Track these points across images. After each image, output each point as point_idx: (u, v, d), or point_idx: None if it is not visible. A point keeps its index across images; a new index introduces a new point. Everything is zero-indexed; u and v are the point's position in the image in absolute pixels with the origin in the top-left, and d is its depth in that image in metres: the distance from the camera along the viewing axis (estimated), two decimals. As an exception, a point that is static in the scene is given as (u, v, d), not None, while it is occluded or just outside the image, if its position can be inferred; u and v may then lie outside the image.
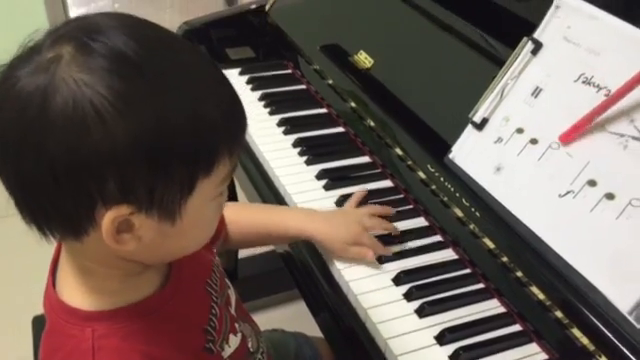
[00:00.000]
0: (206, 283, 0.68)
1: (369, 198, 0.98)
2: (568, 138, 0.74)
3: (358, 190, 0.97)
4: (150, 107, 0.48)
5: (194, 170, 0.51)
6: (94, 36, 0.48)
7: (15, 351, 1.33)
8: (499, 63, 0.88)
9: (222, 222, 0.82)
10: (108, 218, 0.49)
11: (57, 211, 0.50)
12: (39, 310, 1.04)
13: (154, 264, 0.60)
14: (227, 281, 0.75)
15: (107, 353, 0.55)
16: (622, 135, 0.71)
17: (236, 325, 0.72)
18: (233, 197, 1.37)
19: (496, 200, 0.80)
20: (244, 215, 0.87)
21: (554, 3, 0.82)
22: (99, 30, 0.49)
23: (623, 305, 0.65)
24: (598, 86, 0.75)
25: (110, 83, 0.47)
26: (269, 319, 1.19)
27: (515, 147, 0.80)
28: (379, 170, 1.05)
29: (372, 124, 1.07)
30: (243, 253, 1.54)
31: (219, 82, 0.54)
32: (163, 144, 0.48)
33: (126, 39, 0.48)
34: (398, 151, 1.01)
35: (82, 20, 0.51)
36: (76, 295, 0.57)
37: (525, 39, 0.83)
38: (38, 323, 1.04)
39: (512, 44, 0.86)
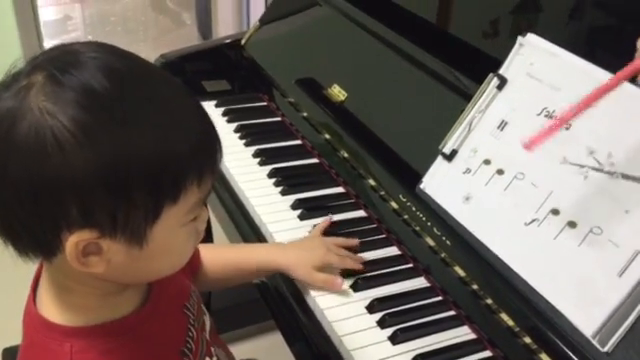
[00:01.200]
0: (184, 306, 0.69)
1: (343, 227, 1.00)
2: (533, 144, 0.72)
3: (325, 221, 0.99)
4: (109, 139, 0.49)
5: (158, 198, 0.52)
6: (65, 68, 0.50)
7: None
8: (467, 97, 0.92)
9: (197, 255, 0.84)
10: (71, 242, 0.51)
11: (26, 232, 0.52)
12: (8, 342, 1.03)
13: (130, 284, 0.61)
14: (203, 307, 0.75)
15: None
16: (582, 166, 0.74)
17: (212, 349, 0.73)
18: (208, 227, 1.37)
19: (465, 229, 0.83)
20: (214, 255, 0.88)
21: (518, 41, 0.86)
22: (73, 62, 0.51)
23: (587, 329, 0.68)
24: (559, 120, 0.78)
25: (72, 114, 0.49)
26: (243, 351, 1.18)
27: (483, 177, 0.84)
28: (353, 200, 1.08)
29: (346, 155, 1.10)
30: (217, 284, 1.54)
31: (191, 114, 0.55)
32: (122, 174, 0.50)
33: (96, 73, 0.50)
34: (371, 182, 1.04)
35: (59, 50, 0.54)
36: (55, 311, 0.58)
37: (491, 75, 0.87)
38: (9, 355, 1.03)
39: (479, 79, 0.90)
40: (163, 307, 0.64)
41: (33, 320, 0.59)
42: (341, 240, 0.95)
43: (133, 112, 0.51)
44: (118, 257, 0.54)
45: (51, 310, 0.58)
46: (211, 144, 0.56)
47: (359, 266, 0.91)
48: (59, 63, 0.51)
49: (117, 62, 0.53)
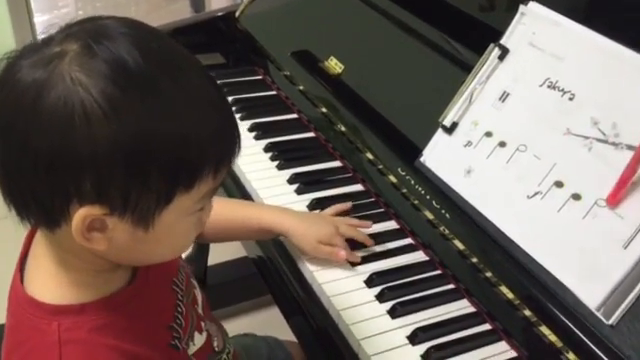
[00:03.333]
0: (172, 282, 0.68)
1: (341, 202, 0.98)
2: (615, 199, 0.68)
3: (342, 205, 0.96)
4: (137, 118, 0.49)
5: (173, 184, 0.52)
6: (101, 40, 0.50)
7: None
8: (467, 69, 0.90)
9: None
10: (79, 215, 0.50)
11: (34, 199, 0.51)
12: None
13: (126, 264, 0.60)
14: (193, 281, 0.75)
15: (74, 347, 0.55)
16: (586, 137, 0.73)
17: (202, 324, 0.72)
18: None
19: (467, 202, 0.82)
20: (219, 208, 0.87)
21: (519, 10, 0.84)
22: (107, 35, 0.50)
23: (591, 302, 0.67)
24: (562, 90, 0.77)
25: (104, 87, 0.48)
26: (239, 326, 1.18)
27: (484, 150, 0.82)
28: (350, 174, 1.06)
29: (343, 129, 1.08)
30: (212, 260, 1.53)
31: (216, 105, 0.55)
32: (143, 155, 0.49)
33: (131, 47, 0.50)
34: (369, 155, 1.02)
35: (93, 22, 0.53)
36: (45, 290, 0.57)
37: (492, 45, 0.85)
38: None
39: (479, 50, 0.89)
40: (151, 283, 0.63)
41: (20, 300, 0.58)
42: (355, 221, 0.93)
43: (163, 94, 0.50)
44: (121, 237, 0.53)
45: (41, 288, 0.57)
46: (232, 137, 0.55)
47: (357, 259, 0.88)
48: (95, 35, 0.50)
49: (151, 41, 0.52)
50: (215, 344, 0.75)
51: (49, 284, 0.57)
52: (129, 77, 0.49)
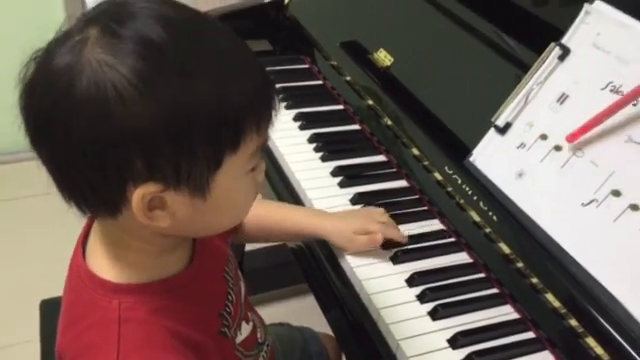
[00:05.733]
0: (224, 270, 0.69)
1: (384, 197, 0.97)
2: (574, 138, 0.73)
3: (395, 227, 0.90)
4: (170, 88, 0.49)
5: (219, 147, 0.52)
6: (120, 19, 0.50)
7: (22, 335, 1.33)
8: (522, 67, 0.87)
9: None
10: (137, 195, 0.50)
11: (91, 190, 0.51)
12: (47, 294, 1.04)
13: (190, 236, 0.61)
14: (239, 273, 0.75)
15: (133, 325, 0.56)
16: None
17: (249, 314, 0.73)
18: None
19: (516, 205, 0.79)
20: (261, 211, 0.87)
21: (584, 9, 0.81)
22: (126, 13, 0.50)
23: (644, 317, 0.65)
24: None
25: (131, 64, 0.48)
26: (274, 313, 1.18)
27: (538, 153, 0.80)
28: (394, 169, 1.04)
29: (389, 123, 1.06)
30: (249, 246, 1.53)
31: (248, 63, 0.55)
32: (184, 123, 0.49)
33: (152, 23, 0.49)
34: (414, 151, 1.00)
35: (110, 3, 0.52)
36: (106, 267, 0.58)
37: (553, 44, 0.82)
38: (46, 307, 1.04)
39: (537, 49, 0.86)
40: (205, 269, 0.64)
41: (81, 275, 0.59)
42: (387, 219, 0.90)
43: (191, 61, 0.50)
44: (182, 210, 0.53)
45: (102, 266, 0.58)
46: (268, 91, 0.55)
47: (402, 237, 0.88)
48: (113, 15, 0.50)
49: (171, 12, 0.52)
50: (259, 335, 0.75)
51: (110, 264, 0.58)
52: (155, 50, 0.49)
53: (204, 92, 0.50)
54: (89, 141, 0.49)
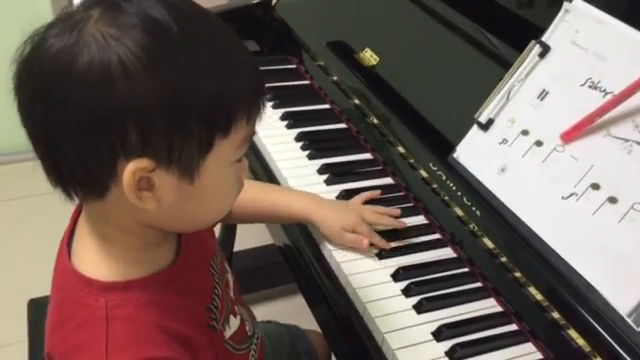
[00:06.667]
0: (209, 264, 0.69)
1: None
2: (569, 136, 0.75)
3: (372, 193, 0.96)
4: (174, 65, 0.49)
5: (212, 129, 0.52)
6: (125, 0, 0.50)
7: (10, 335, 1.33)
8: (504, 65, 0.89)
9: None
10: (129, 170, 0.50)
11: (81, 165, 0.51)
12: (35, 293, 1.04)
13: (174, 230, 0.61)
14: (226, 265, 0.75)
15: (121, 322, 0.55)
16: (627, 140, 0.71)
17: (236, 308, 0.73)
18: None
19: (499, 200, 0.81)
20: (250, 190, 0.88)
21: (563, 7, 0.82)
22: None
23: (623, 307, 0.66)
24: (604, 91, 0.75)
25: (138, 38, 0.49)
26: (262, 312, 1.19)
27: (520, 148, 0.81)
28: (380, 167, 1.06)
29: (375, 121, 1.08)
30: (237, 247, 1.54)
31: (242, 52, 0.56)
32: (184, 101, 0.50)
33: (156, 4, 0.50)
34: (400, 149, 1.01)
35: None
36: (93, 265, 0.58)
37: (533, 42, 0.84)
38: (34, 306, 1.04)
39: (518, 46, 0.87)
40: (192, 263, 0.64)
41: (67, 275, 0.59)
42: (381, 208, 0.92)
43: (194, 43, 0.51)
44: (169, 194, 0.54)
45: (88, 264, 0.58)
46: (259, 81, 0.57)
47: (387, 245, 0.89)
48: None
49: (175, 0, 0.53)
50: (247, 328, 0.75)
51: (96, 261, 0.58)
52: (160, 28, 0.50)
53: (205, 74, 0.51)
54: (87, 114, 0.48)
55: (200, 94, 0.51)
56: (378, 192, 0.97)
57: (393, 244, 0.89)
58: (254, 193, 0.88)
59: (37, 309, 1.02)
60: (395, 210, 0.93)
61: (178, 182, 0.53)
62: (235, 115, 0.53)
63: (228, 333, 0.69)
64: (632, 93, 0.71)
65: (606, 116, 0.74)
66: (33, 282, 1.05)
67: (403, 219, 0.94)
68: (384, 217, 0.91)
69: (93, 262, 0.58)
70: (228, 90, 0.53)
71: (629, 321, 0.65)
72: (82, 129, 0.49)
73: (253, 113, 0.56)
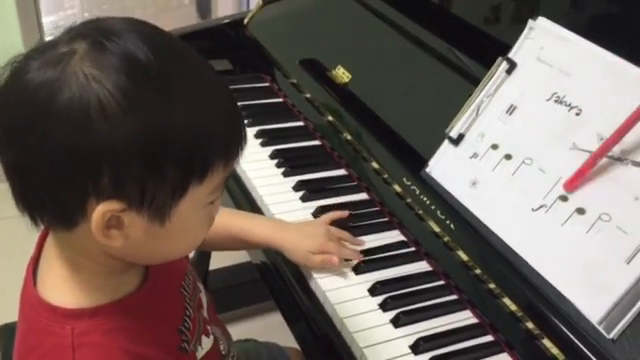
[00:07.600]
0: (180, 285, 0.69)
1: (345, 210, 0.99)
2: (573, 185, 0.73)
3: (340, 212, 0.96)
4: (153, 109, 0.49)
5: (187, 175, 0.52)
6: (109, 36, 0.50)
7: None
8: (474, 81, 0.91)
9: None
10: (98, 212, 0.50)
11: (51, 199, 0.51)
12: (7, 318, 1.02)
13: (139, 263, 0.61)
14: (199, 285, 0.75)
15: (88, 350, 0.55)
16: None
17: (208, 327, 0.72)
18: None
19: (471, 213, 0.82)
20: (217, 218, 0.88)
21: (528, 25, 0.85)
22: (115, 32, 0.51)
23: (593, 315, 0.68)
24: (570, 105, 0.78)
25: (118, 81, 0.48)
26: (240, 331, 1.18)
27: (490, 162, 0.83)
28: (355, 183, 1.07)
29: (348, 137, 1.09)
30: (213, 265, 1.53)
31: (224, 96, 0.56)
32: (161, 146, 0.50)
33: (139, 43, 0.50)
34: (374, 164, 1.03)
35: (99, 22, 0.53)
36: (59, 292, 0.57)
37: (500, 59, 0.86)
38: (7, 331, 1.02)
39: (487, 63, 0.89)
40: (161, 286, 0.63)
41: (33, 303, 0.58)
42: (347, 235, 0.92)
43: (174, 87, 0.51)
44: (137, 233, 0.53)
45: (54, 292, 0.58)
46: (240, 129, 0.56)
47: (358, 257, 0.90)
48: (103, 32, 0.51)
49: (157, 37, 0.53)
50: (221, 347, 0.75)
51: (62, 287, 0.57)
52: (142, 70, 0.49)
53: (183, 117, 0.50)
54: (62, 152, 0.48)
55: (177, 140, 0.50)
56: (346, 212, 0.97)
57: (368, 258, 0.90)
58: (222, 220, 0.88)
59: (10, 334, 1.00)
60: (360, 240, 0.93)
61: (148, 224, 0.53)
62: (212, 161, 0.53)
63: (200, 353, 0.68)
64: (630, 127, 0.70)
65: (571, 128, 0.77)
66: (5, 307, 1.03)
67: (379, 234, 0.95)
68: (345, 249, 0.90)
69: (59, 289, 0.57)
70: (207, 135, 0.52)
71: (600, 329, 0.67)
72: (56, 166, 0.49)
73: (231, 158, 0.56)
